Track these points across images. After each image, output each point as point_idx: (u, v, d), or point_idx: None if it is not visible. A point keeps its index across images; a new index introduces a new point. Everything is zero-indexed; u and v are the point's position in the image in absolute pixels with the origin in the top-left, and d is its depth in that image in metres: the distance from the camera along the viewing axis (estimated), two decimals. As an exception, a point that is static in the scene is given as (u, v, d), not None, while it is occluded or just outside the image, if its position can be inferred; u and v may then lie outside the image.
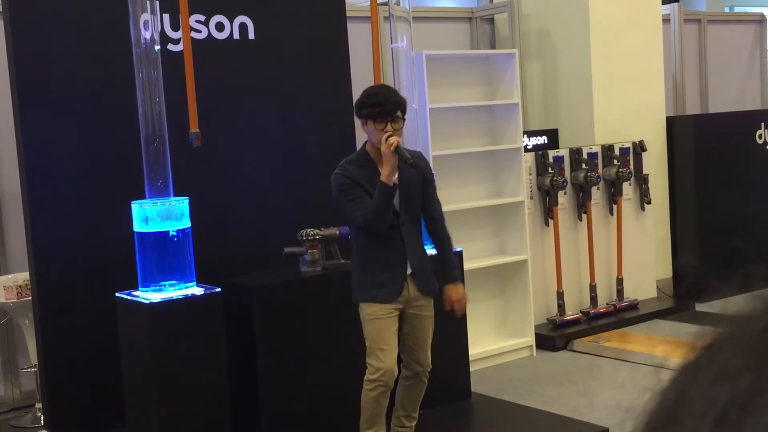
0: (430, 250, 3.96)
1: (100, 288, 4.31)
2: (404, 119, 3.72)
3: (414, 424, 4.01)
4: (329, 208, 5.03)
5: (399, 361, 3.87)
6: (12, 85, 4.41)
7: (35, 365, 5.00)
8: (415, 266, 3.77)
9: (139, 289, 3.97)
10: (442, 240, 3.93)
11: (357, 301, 3.81)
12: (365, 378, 3.77)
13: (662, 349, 5.89)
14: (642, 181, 7.06)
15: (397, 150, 3.58)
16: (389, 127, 3.62)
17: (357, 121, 5.32)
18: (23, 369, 5.39)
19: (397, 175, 3.64)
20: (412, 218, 3.78)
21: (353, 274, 3.84)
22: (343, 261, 4.45)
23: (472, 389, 4.94)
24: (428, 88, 5.56)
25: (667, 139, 7.46)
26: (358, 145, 5.34)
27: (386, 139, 3.59)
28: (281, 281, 4.30)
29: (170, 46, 4.57)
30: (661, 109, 7.43)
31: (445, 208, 5.69)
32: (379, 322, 3.72)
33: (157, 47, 3.98)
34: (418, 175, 3.79)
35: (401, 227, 3.74)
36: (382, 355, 3.71)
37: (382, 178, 3.59)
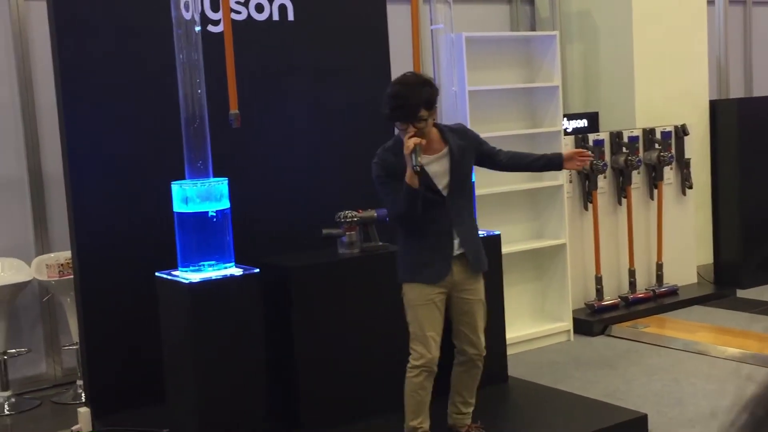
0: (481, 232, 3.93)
1: (141, 267, 4.36)
2: (432, 111, 3.57)
3: (471, 410, 3.97)
4: (367, 189, 5.04)
5: (448, 346, 3.83)
6: (54, 68, 4.45)
7: (76, 343, 5.08)
8: (462, 245, 3.70)
9: (179, 269, 4.00)
10: (525, 154, 3.93)
11: (401, 282, 3.74)
12: (409, 366, 3.70)
13: (702, 336, 5.83)
14: (684, 166, 6.97)
15: (412, 153, 3.48)
16: (411, 128, 3.52)
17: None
18: (65, 346, 5.47)
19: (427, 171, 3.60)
20: (460, 194, 3.69)
21: (398, 255, 3.79)
22: (380, 243, 4.45)
23: (509, 373, 4.93)
24: (467, 70, 5.52)
25: (710, 122, 7.35)
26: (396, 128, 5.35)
27: (407, 140, 3.50)
28: (319, 263, 4.31)
29: (210, 27, 4.58)
30: (704, 92, 7.31)
31: (483, 191, 5.68)
32: (423, 308, 3.66)
33: (198, 28, 3.99)
34: (466, 149, 3.72)
35: (448, 207, 3.67)
36: (427, 342, 3.66)
37: (406, 179, 3.52)
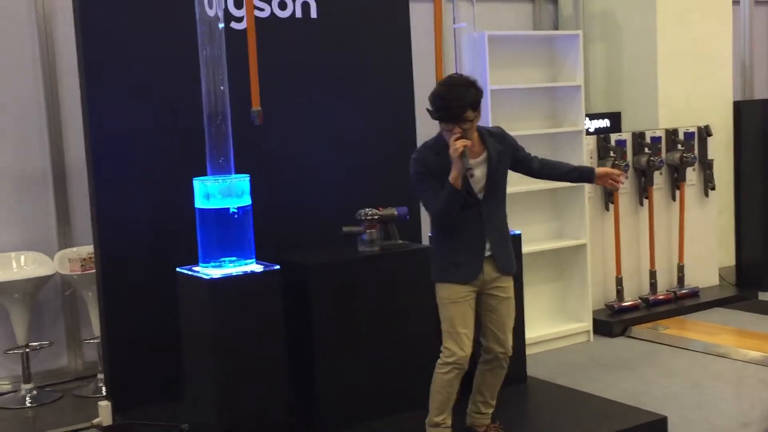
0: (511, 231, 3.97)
1: (162, 263, 4.38)
2: (477, 112, 3.60)
3: (491, 411, 3.98)
4: (388, 187, 5.05)
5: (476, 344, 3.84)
6: (79, 63, 4.49)
7: (98, 337, 5.12)
8: (494, 246, 3.75)
9: (200, 264, 4.02)
10: (559, 164, 4.00)
11: (434, 281, 3.78)
12: (440, 362, 3.73)
13: (723, 338, 5.79)
14: (706, 167, 6.92)
15: (462, 157, 3.52)
16: (457, 129, 3.55)
17: (417, 102, 5.32)
18: (86, 340, 5.52)
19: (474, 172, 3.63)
20: (494, 198, 3.73)
21: (431, 254, 3.83)
22: (400, 241, 4.45)
23: (528, 373, 4.92)
24: (490, 69, 5.51)
25: (733, 123, 7.29)
26: (418, 126, 5.35)
27: (454, 142, 3.53)
28: (339, 260, 4.32)
29: (233, 24, 4.60)
30: (728, 93, 7.26)
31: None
32: (455, 306, 3.69)
33: (221, 25, 4.01)
34: (504, 154, 3.76)
35: (482, 208, 3.71)
36: (459, 339, 3.68)
37: (450, 179, 3.56)
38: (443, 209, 3.61)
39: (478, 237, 3.72)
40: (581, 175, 3.99)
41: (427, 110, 3.64)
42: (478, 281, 3.73)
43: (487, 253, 3.74)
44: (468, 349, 3.70)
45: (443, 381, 3.71)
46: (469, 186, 3.64)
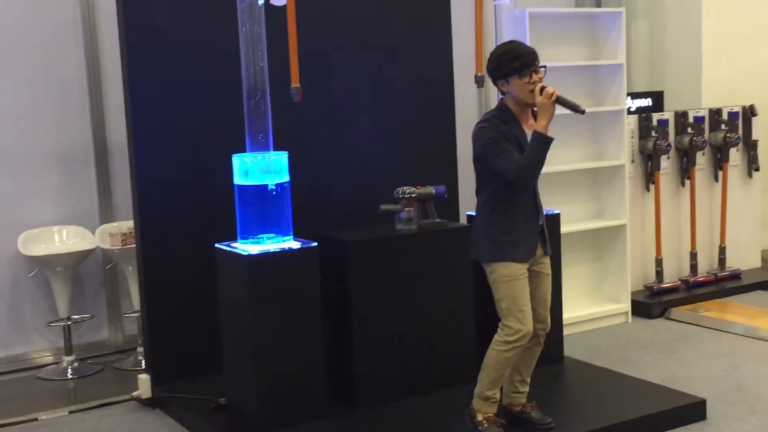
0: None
1: (201, 238, 4.42)
2: (545, 68, 3.65)
3: (527, 389, 3.98)
4: (426, 165, 5.03)
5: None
6: (120, 41, 4.52)
7: (138, 311, 5.19)
8: (543, 224, 3.77)
9: (238, 240, 4.05)
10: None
11: (492, 261, 3.70)
12: (501, 340, 3.69)
13: (764, 321, 5.71)
14: (751, 147, 6.81)
15: (559, 100, 3.54)
16: (534, 77, 3.57)
17: (456, 79, 5.28)
18: (126, 314, 5.59)
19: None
20: (538, 178, 3.74)
21: (483, 233, 3.73)
22: (438, 220, 4.44)
23: (565, 353, 4.90)
24: (531, 46, 5.43)
25: (779, 103, 7.15)
26: (458, 104, 5.32)
27: (540, 91, 3.54)
28: (376, 238, 4.32)
29: (273, 1, 4.59)
30: (774, 72, 7.12)
31: (543, 169, 5.62)
32: (517, 283, 3.67)
33: (261, 1, 4.01)
34: None
35: (534, 186, 3.72)
36: (522, 316, 3.66)
37: (539, 128, 3.53)
38: (533, 161, 3.54)
39: (533, 214, 3.72)
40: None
41: (496, 71, 3.62)
42: (532, 259, 3.74)
43: (539, 230, 3.76)
44: (531, 325, 3.69)
45: (503, 359, 3.71)
46: None
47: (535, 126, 3.56)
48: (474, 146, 3.68)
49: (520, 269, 3.68)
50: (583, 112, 3.67)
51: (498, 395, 3.79)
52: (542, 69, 3.63)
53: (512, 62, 3.58)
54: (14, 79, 5.37)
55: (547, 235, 3.81)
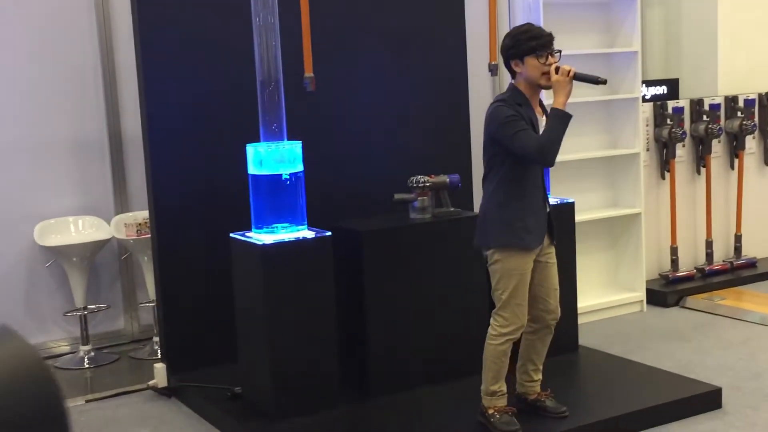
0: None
1: (216, 228, 4.44)
2: (560, 53, 3.63)
3: (541, 377, 3.96)
4: (440, 155, 5.03)
5: None
6: (135, 32, 4.53)
7: (153, 300, 5.21)
8: (549, 212, 3.74)
9: (253, 230, 4.06)
10: None
11: (503, 246, 3.62)
12: (495, 333, 3.67)
13: (780, 310, 5.69)
14: (767, 135, 6.76)
15: (577, 76, 3.53)
16: (550, 59, 3.56)
17: (470, 68, 5.27)
18: (142, 303, 5.62)
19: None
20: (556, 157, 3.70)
21: (495, 217, 3.64)
22: (452, 209, 4.44)
23: (580, 342, 4.89)
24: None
25: (796, 90, 7.09)
26: (471, 93, 5.31)
27: (557, 71, 3.53)
28: (391, 227, 4.32)
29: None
30: (791, 58, 7.06)
31: (557, 158, 5.59)
32: (522, 277, 3.63)
33: (274, -9, 4.00)
34: None
35: (542, 173, 3.70)
36: (519, 310, 3.64)
37: (557, 105, 3.50)
38: (552, 138, 3.49)
39: (543, 200, 3.70)
40: None
41: (511, 50, 3.60)
42: (539, 249, 3.71)
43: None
44: (525, 319, 3.68)
45: (498, 352, 3.68)
46: None
47: (553, 104, 3.53)
48: (488, 126, 3.60)
49: (527, 263, 3.64)
50: (604, 82, 3.67)
51: (504, 388, 3.76)
52: (558, 54, 3.61)
53: (530, 41, 3.56)
54: (29, 71, 5.39)
55: (552, 224, 3.77)
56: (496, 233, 3.65)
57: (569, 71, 3.54)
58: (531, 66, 3.58)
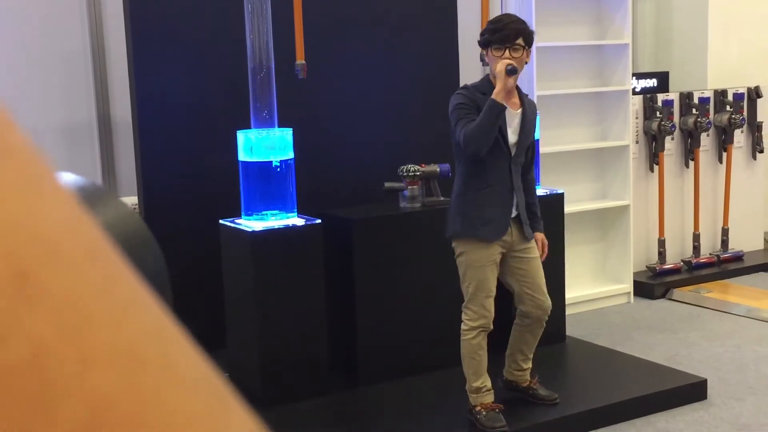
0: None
1: (205, 214, 4.43)
2: (527, 49, 3.58)
3: (530, 365, 3.96)
4: (430, 143, 5.03)
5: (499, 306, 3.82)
6: (125, 15, 4.51)
7: (141, 286, 5.19)
8: (518, 208, 3.69)
9: (242, 217, 4.05)
10: (534, 190, 3.87)
11: (458, 237, 3.67)
12: (466, 327, 3.67)
13: (766, 303, 5.72)
14: (755, 129, 6.79)
15: (509, 72, 3.47)
16: (507, 54, 3.53)
17: (462, 57, 5.27)
18: (130, 290, 5.60)
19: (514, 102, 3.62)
20: (520, 158, 3.69)
21: (455, 206, 3.69)
22: (442, 198, 4.44)
23: (567, 333, 4.91)
24: (536, 25, 5.41)
25: (785, 85, 7.13)
26: (463, 82, 5.30)
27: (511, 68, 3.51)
28: (380, 215, 4.32)
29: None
30: (780, 53, 7.09)
31: (547, 149, 5.62)
32: (483, 270, 3.61)
33: (266, -23, 3.99)
34: (531, 124, 3.73)
35: (511, 166, 3.65)
36: (487, 302, 3.64)
37: (493, 95, 3.48)
38: (480, 127, 3.45)
39: (507, 193, 3.64)
40: (531, 223, 3.76)
41: (480, 39, 3.65)
42: (505, 242, 3.65)
43: (514, 213, 3.67)
44: (492, 310, 3.66)
45: (473, 346, 3.67)
46: (506, 130, 3.60)
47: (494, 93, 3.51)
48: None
49: (489, 255, 3.62)
50: (509, 69, 3.53)
51: (488, 383, 3.74)
52: (522, 50, 3.55)
53: (492, 33, 3.58)
54: (17, 55, 5.36)
55: (525, 218, 3.70)
56: (453, 224, 3.69)
57: (507, 62, 3.50)
58: (491, 58, 3.61)
